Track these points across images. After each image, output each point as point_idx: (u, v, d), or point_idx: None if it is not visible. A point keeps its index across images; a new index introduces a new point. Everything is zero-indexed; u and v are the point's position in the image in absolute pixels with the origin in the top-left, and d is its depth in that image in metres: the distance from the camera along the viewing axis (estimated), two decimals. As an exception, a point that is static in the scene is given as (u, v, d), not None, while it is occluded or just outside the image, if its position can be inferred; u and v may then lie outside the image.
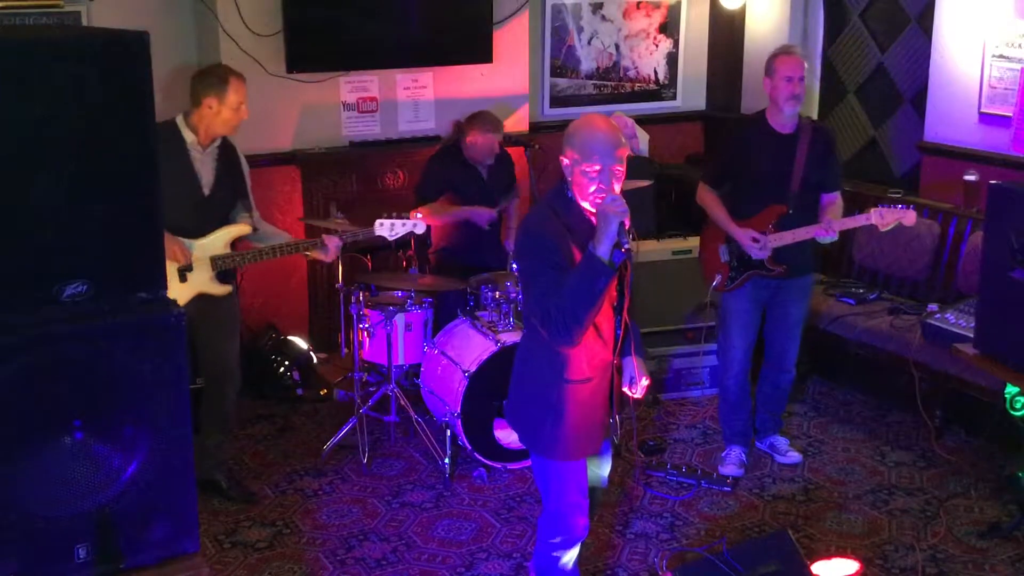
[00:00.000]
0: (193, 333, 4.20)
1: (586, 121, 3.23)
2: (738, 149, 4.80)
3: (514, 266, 5.00)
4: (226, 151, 4.46)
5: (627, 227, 3.06)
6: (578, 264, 3.09)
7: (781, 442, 5.07)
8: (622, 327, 3.35)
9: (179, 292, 4.21)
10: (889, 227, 4.59)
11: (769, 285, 4.78)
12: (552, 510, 3.45)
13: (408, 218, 4.72)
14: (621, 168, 3.17)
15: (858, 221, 4.66)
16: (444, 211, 5.36)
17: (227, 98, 4.26)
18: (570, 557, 3.53)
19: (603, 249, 3.04)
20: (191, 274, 4.33)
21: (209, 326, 4.44)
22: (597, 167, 3.12)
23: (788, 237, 4.65)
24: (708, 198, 4.83)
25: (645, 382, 3.46)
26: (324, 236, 4.59)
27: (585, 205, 3.20)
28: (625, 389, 3.48)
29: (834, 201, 4.78)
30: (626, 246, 3.06)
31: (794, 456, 5.03)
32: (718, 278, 4.83)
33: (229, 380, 4.61)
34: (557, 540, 3.47)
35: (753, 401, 5.05)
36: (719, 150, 5.02)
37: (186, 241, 4.29)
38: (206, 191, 4.37)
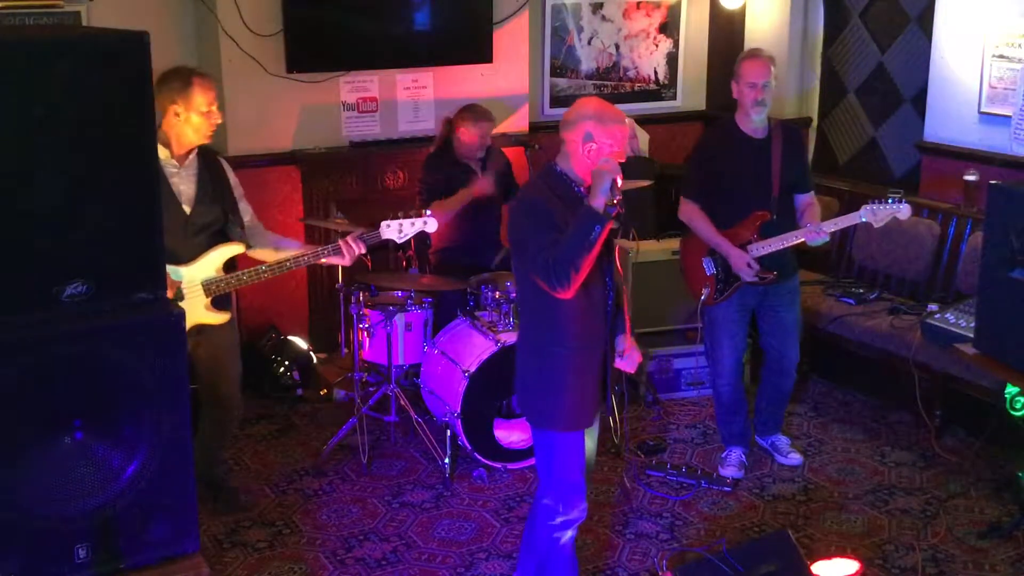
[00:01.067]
0: (192, 366, 3.94)
1: (586, 101, 3.49)
2: (713, 158, 4.71)
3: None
4: (207, 162, 4.15)
5: (619, 185, 3.27)
6: (574, 218, 3.29)
7: (783, 442, 5.04)
8: (612, 298, 3.54)
9: None
10: (883, 222, 4.52)
11: (756, 291, 4.71)
12: (555, 489, 3.54)
13: (416, 216, 4.42)
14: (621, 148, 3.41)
15: (850, 220, 4.58)
16: (447, 205, 5.34)
17: (193, 100, 3.93)
18: (569, 536, 3.63)
19: (597, 203, 3.25)
20: (183, 304, 3.89)
21: (209, 357, 4.21)
22: (614, 137, 3.36)
23: (776, 244, 4.57)
24: (694, 214, 4.71)
25: (636, 356, 3.65)
26: (341, 242, 4.22)
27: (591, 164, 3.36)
28: (617, 363, 3.63)
29: (810, 202, 4.72)
30: (617, 198, 3.27)
31: (795, 458, 5.00)
32: (706, 291, 4.74)
33: (233, 407, 4.48)
34: (558, 521, 3.57)
35: (750, 401, 5.03)
36: (694, 162, 4.82)
37: (169, 268, 3.76)
38: (187, 208, 4.05)
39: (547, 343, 3.46)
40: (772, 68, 4.56)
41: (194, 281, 4.08)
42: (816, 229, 4.52)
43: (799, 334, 4.90)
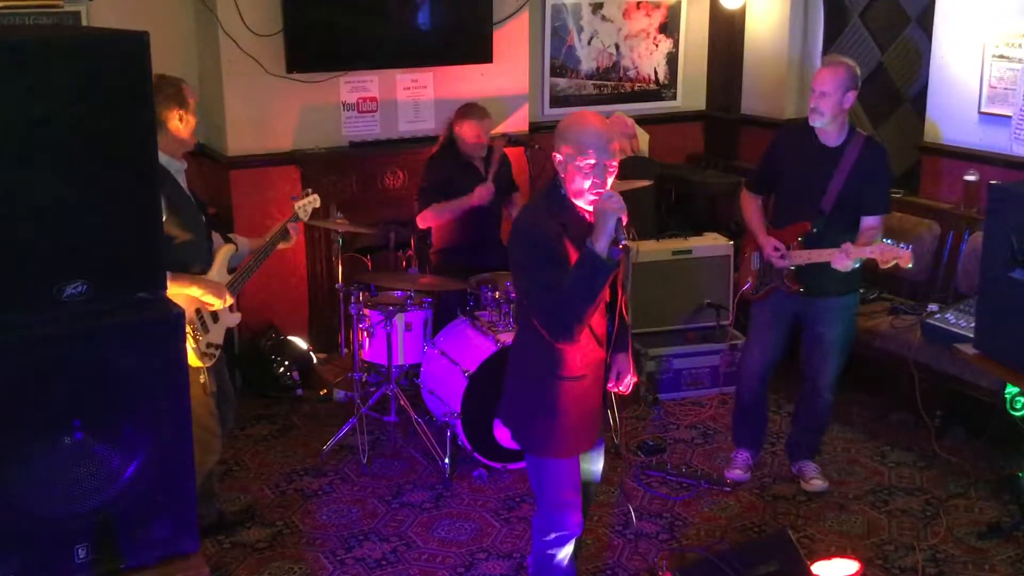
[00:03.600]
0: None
1: (578, 117, 3.24)
2: (776, 156, 4.62)
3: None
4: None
5: (624, 223, 3.08)
6: (577, 262, 3.10)
7: (809, 468, 4.85)
8: (616, 325, 3.37)
9: (217, 337, 4.01)
10: (888, 265, 4.26)
11: (796, 302, 4.56)
12: (546, 508, 3.45)
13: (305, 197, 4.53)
14: (614, 163, 3.18)
15: (864, 252, 4.27)
16: (445, 207, 5.35)
17: (188, 104, 3.95)
18: (565, 553, 3.53)
19: (601, 246, 3.05)
20: (221, 313, 4.04)
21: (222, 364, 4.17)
22: (592, 161, 3.12)
23: (802, 257, 4.42)
24: (747, 203, 4.69)
25: (632, 379, 3.51)
26: (288, 224, 4.37)
27: (579, 203, 3.19)
28: (610, 386, 3.50)
29: (872, 227, 4.39)
30: (623, 242, 3.08)
31: (818, 484, 4.79)
32: (748, 284, 4.72)
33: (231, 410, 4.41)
34: (551, 537, 3.47)
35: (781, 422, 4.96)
36: (763, 154, 4.72)
37: (216, 277, 3.95)
38: (202, 216, 4.06)
39: (544, 370, 3.28)
40: (840, 78, 4.29)
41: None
42: (841, 253, 4.26)
43: (838, 356, 4.63)
